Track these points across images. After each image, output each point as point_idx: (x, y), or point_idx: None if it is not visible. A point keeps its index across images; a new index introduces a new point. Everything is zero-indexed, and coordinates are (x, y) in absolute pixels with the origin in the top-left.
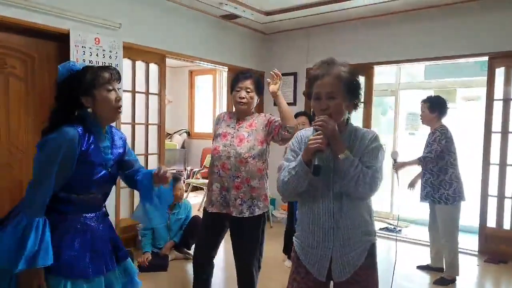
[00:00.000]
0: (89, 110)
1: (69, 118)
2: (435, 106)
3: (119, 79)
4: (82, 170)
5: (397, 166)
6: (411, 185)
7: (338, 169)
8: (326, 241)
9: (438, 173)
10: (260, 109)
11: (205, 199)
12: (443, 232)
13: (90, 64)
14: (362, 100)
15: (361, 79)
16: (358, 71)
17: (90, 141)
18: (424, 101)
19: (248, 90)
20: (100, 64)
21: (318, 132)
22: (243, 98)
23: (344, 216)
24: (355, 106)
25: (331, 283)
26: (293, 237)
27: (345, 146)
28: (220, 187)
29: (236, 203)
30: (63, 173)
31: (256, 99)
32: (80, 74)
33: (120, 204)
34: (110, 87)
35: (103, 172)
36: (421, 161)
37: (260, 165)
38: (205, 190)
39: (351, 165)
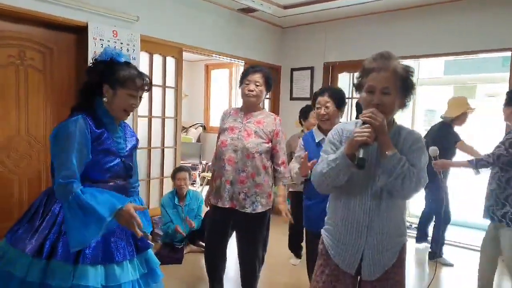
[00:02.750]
0: (104, 99)
1: (85, 102)
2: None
3: (145, 89)
4: (96, 158)
5: (438, 165)
6: (442, 166)
7: (384, 165)
8: (359, 238)
9: (505, 186)
10: (275, 104)
11: (211, 192)
12: (509, 259)
13: (132, 63)
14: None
15: None
16: (413, 70)
17: (101, 129)
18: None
19: (258, 84)
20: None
21: (366, 125)
22: (252, 91)
23: (380, 215)
24: (404, 105)
25: (358, 277)
26: (322, 230)
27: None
28: (225, 181)
29: (239, 197)
30: (81, 158)
31: (264, 94)
32: (118, 65)
33: (150, 194)
34: (135, 94)
35: (117, 160)
36: (472, 164)
37: (265, 162)
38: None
39: (398, 162)
